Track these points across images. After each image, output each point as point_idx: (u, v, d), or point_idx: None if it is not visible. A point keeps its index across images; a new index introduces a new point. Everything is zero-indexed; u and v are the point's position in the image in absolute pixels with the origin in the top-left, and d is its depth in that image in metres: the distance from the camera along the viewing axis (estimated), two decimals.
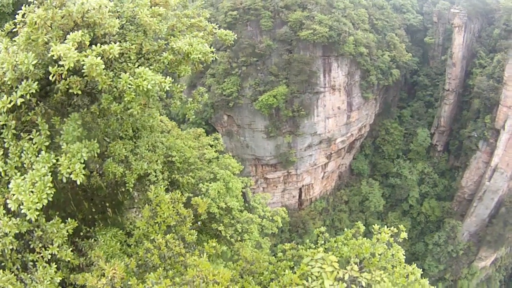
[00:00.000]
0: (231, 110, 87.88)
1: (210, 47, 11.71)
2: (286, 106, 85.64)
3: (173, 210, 12.59)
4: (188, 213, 12.99)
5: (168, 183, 20.44)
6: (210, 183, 24.15)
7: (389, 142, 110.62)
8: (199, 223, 17.25)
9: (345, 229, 16.92)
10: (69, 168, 8.45)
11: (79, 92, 8.55)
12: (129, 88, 8.73)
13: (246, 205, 29.21)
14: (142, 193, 18.46)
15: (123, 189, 15.88)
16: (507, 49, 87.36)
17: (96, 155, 9.33)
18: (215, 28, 13.44)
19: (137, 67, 9.14)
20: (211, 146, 27.84)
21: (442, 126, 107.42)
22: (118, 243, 12.87)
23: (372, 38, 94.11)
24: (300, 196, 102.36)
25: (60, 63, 7.87)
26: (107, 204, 15.61)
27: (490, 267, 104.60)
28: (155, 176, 17.78)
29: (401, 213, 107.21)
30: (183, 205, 13.36)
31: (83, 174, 8.57)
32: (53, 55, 7.74)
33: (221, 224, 23.69)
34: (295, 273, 12.14)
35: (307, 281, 11.51)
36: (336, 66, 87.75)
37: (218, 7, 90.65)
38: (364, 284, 11.31)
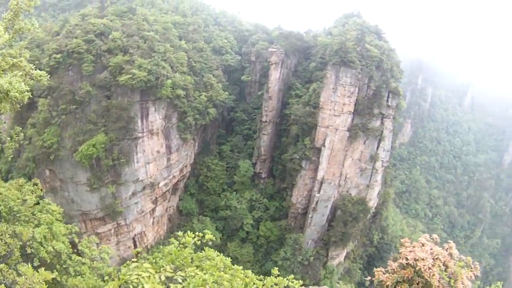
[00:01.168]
0: (53, 164, 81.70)
1: (28, 89, 12.73)
2: (106, 155, 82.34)
3: (1, 241, 13.01)
4: (14, 242, 13.48)
5: None
6: (35, 228, 23.63)
7: (212, 178, 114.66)
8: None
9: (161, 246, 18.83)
10: None
11: None
12: None
13: (75, 250, 28.83)
14: None
15: None
16: (322, 78, 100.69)
17: None
18: (32, 69, 14.50)
19: None
20: (32, 192, 27.12)
21: (263, 155, 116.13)
22: None
23: (190, 80, 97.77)
24: (135, 245, 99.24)
25: None
26: None
27: (345, 261, 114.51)
28: None
29: (240, 241, 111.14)
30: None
31: None
32: None
33: (55, 270, 23.28)
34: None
35: None
36: (154, 110, 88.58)
37: (44, 48, 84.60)
38: (180, 280, 13.36)
